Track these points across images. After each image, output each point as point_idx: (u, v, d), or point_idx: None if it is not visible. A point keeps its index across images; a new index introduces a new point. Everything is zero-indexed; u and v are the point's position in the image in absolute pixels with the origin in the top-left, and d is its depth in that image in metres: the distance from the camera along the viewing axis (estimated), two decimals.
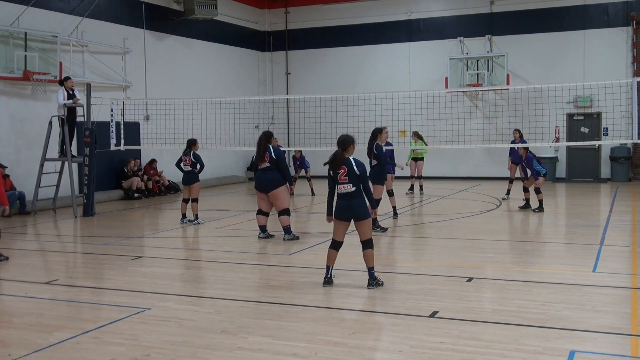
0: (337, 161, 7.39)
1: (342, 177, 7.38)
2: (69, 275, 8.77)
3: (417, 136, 17.64)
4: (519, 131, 15.85)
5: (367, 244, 7.39)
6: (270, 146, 10.76)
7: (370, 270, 7.40)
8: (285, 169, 10.80)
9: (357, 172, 7.37)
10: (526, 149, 13.99)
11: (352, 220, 7.43)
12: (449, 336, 5.62)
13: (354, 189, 7.36)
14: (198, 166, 12.91)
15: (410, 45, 23.75)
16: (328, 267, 7.55)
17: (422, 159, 17.90)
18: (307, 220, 14.13)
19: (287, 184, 10.91)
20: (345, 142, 7.47)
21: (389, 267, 8.58)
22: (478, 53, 22.28)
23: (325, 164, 7.70)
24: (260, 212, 11.03)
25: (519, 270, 8.38)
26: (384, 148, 12.98)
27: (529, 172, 14.13)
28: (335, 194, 7.50)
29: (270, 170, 10.71)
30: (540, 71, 21.56)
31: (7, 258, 9.47)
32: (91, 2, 17.68)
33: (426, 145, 17.45)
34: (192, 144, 13.04)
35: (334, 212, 7.51)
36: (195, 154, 12.94)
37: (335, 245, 7.54)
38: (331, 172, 7.46)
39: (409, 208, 15.23)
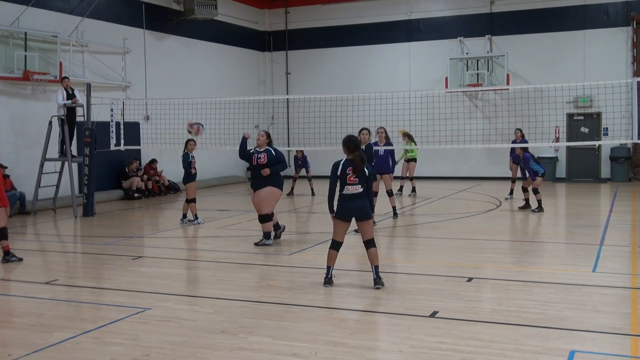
0: (364, 160, 7.42)
1: (351, 179, 7.36)
2: (69, 275, 8.77)
3: (408, 137, 17.57)
4: (521, 130, 15.94)
5: (371, 243, 7.41)
6: (270, 148, 10.54)
7: (376, 268, 7.40)
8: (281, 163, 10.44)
9: (366, 173, 7.41)
10: (524, 148, 14.01)
11: (355, 220, 7.44)
12: (449, 336, 5.62)
13: (362, 189, 7.39)
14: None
15: (410, 45, 23.74)
16: (329, 267, 7.55)
17: (414, 160, 17.78)
18: (307, 220, 14.13)
19: (279, 188, 10.51)
20: (358, 142, 7.52)
21: (389, 267, 8.56)
22: (478, 53, 22.28)
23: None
24: None
25: (519, 270, 8.38)
26: (383, 149, 13.00)
27: (527, 172, 14.15)
28: (336, 194, 7.51)
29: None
30: (540, 71, 21.55)
31: (20, 259, 9.42)
32: (91, 2, 17.68)
33: (415, 145, 17.42)
34: (185, 144, 13.00)
35: (337, 213, 7.46)
36: (184, 155, 12.85)
37: (336, 245, 7.53)
38: (339, 173, 7.44)
39: (408, 208, 15.23)
